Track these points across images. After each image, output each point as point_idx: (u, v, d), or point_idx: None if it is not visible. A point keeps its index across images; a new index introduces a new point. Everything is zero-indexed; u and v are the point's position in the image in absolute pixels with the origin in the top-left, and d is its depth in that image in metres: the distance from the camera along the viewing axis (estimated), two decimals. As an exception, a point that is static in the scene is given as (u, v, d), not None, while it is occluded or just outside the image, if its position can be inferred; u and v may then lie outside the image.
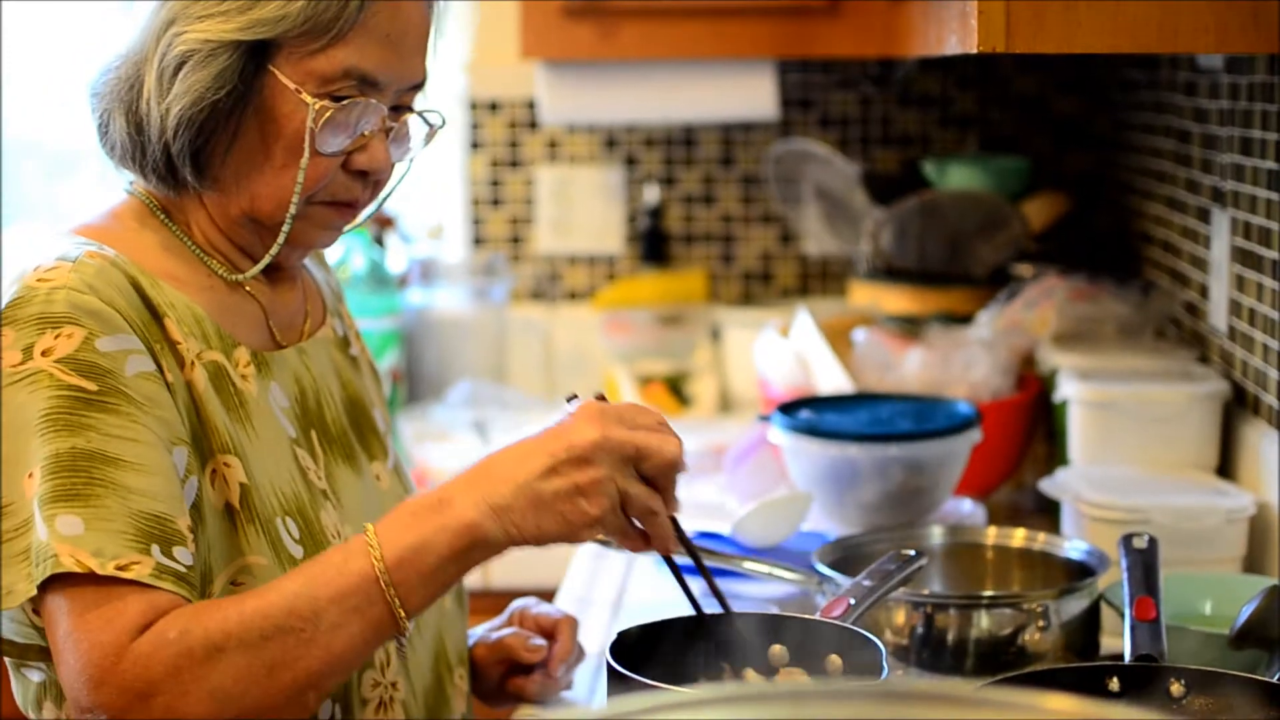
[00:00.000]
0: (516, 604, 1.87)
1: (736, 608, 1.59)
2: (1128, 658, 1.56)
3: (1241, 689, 1.45)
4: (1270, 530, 2.03)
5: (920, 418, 2.18)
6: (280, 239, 1.58)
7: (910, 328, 2.75)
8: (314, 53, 1.53)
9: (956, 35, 1.68)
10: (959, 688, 0.77)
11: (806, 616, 1.58)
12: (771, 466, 2.39)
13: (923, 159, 3.21)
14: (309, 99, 1.53)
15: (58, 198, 3.83)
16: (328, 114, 1.53)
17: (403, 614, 1.42)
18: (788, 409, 2.23)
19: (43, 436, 1.41)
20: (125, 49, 1.56)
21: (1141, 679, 1.50)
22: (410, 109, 1.62)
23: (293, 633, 1.40)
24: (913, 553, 1.70)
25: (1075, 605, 1.76)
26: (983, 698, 0.77)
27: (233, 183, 1.57)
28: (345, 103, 1.54)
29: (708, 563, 1.66)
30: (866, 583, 1.64)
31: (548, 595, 1.60)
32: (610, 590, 2.15)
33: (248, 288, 1.62)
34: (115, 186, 1.65)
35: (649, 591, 2.12)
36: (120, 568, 1.38)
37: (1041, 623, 1.74)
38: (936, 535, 1.99)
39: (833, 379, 2.53)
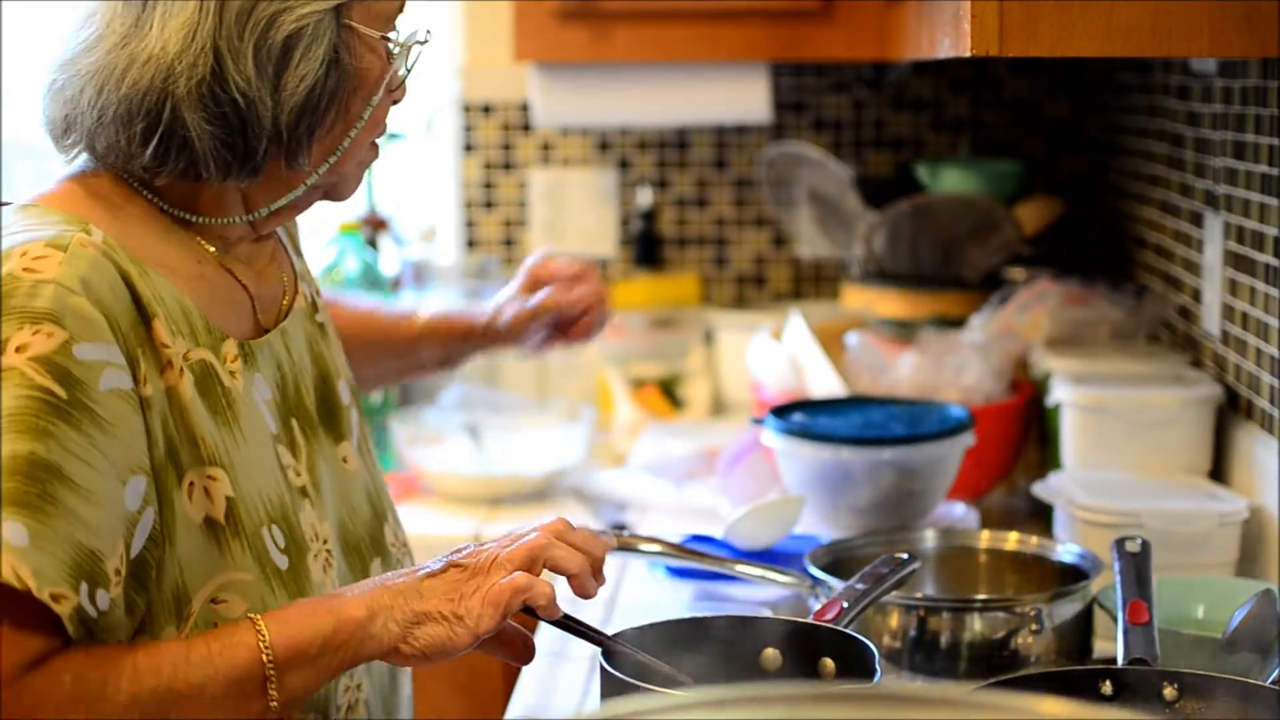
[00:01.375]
0: (528, 262, 1.97)
1: (730, 610, 1.59)
2: (1120, 661, 1.56)
3: (1234, 693, 1.45)
4: (1263, 534, 2.03)
5: (913, 421, 2.18)
6: (347, 186, 1.58)
7: (903, 331, 2.76)
8: None
9: (950, 38, 1.68)
10: (952, 691, 0.77)
11: (799, 620, 1.58)
12: (764, 470, 2.39)
13: (916, 162, 3.21)
14: (392, 42, 1.51)
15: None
16: (409, 51, 1.54)
17: (274, 701, 1.39)
18: (780, 412, 2.23)
19: (4, 435, 1.32)
20: (177, 40, 1.43)
21: (1134, 683, 1.50)
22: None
23: (181, 698, 1.36)
24: (905, 556, 1.70)
25: (1068, 609, 1.76)
26: (976, 701, 0.77)
27: (322, 155, 1.53)
28: (416, 39, 1.53)
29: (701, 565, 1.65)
30: (859, 586, 1.64)
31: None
32: (603, 592, 2.14)
33: (232, 269, 1.57)
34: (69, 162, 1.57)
35: (642, 594, 2.12)
36: (53, 597, 1.31)
37: (1034, 626, 1.74)
38: (929, 539, 1.99)
39: (825, 382, 2.53)
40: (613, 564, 2.22)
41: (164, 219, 1.53)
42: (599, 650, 1.48)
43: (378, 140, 1.59)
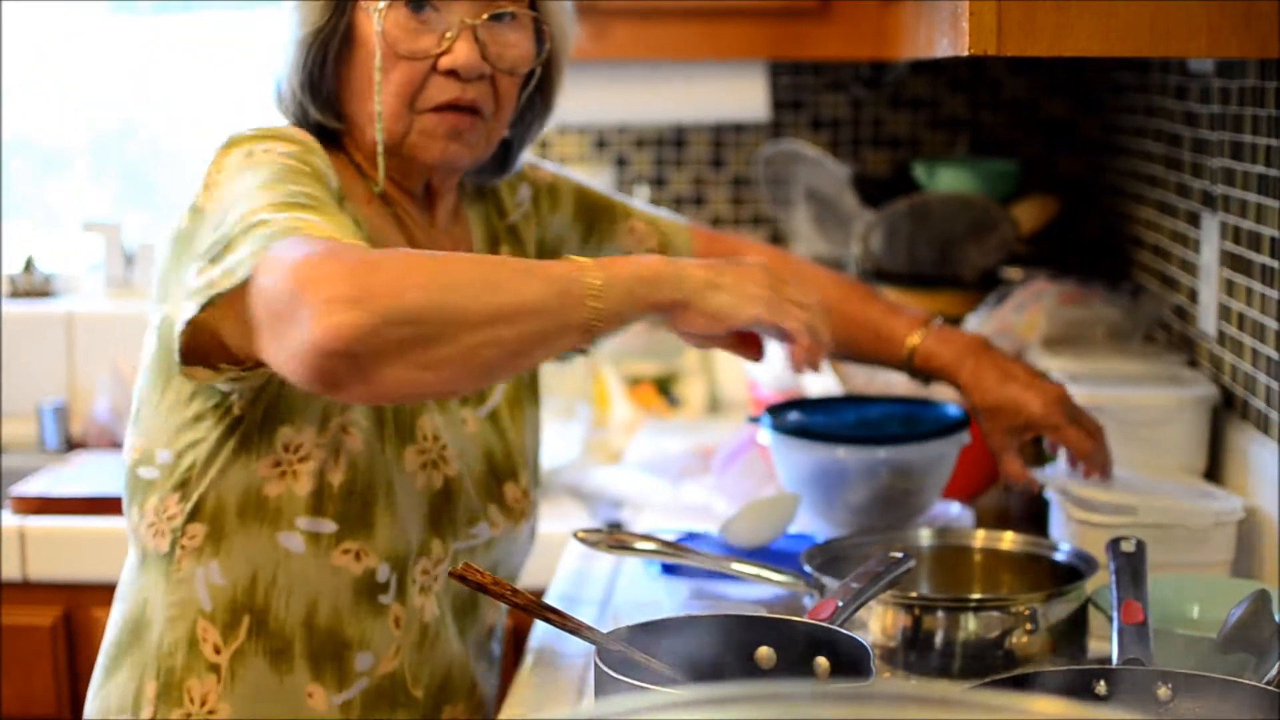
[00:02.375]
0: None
1: (725, 609, 1.58)
2: (1115, 661, 1.56)
3: (1229, 693, 1.45)
4: (1258, 534, 2.03)
5: (909, 420, 2.18)
6: (407, 146, 1.76)
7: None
8: None
9: (947, 37, 1.68)
10: (946, 690, 0.77)
11: (794, 618, 1.57)
12: (760, 468, 2.38)
13: (913, 161, 3.21)
14: (374, 3, 1.72)
15: (48, 195, 3.83)
16: (392, 11, 1.72)
17: (593, 290, 1.52)
18: (776, 411, 2.23)
19: (265, 190, 1.57)
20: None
21: (1129, 682, 1.49)
22: (501, 14, 1.76)
23: (478, 271, 1.52)
24: (901, 555, 1.69)
25: (1063, 608, 1.76)
26: (970, 700, 0.77)
27: (359, 113, 1.77)
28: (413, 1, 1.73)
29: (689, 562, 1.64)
30: (854, 585, 1.64)
31: (537, 594, 1.60)
32: (598, 590, 2.15)
33: (404, 216, 1.82)
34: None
35: (637, 592, 2.12)
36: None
37: (1029, 625, 1.74)
38: (925, 537, 1.99)
39: (821, 381, 2.53)
40: (607, 563, 2.22)
41: (346, 161, 1.82)
42: (593, 648, 1.47)
43: (443, 111, 1.75)
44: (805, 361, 1.65)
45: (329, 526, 1.74)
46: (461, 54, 1.73)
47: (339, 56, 1.76)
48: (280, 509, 1.73)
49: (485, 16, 1.74)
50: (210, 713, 1.74)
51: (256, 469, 1.72)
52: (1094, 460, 2.00)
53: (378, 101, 1.74)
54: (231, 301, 1.52)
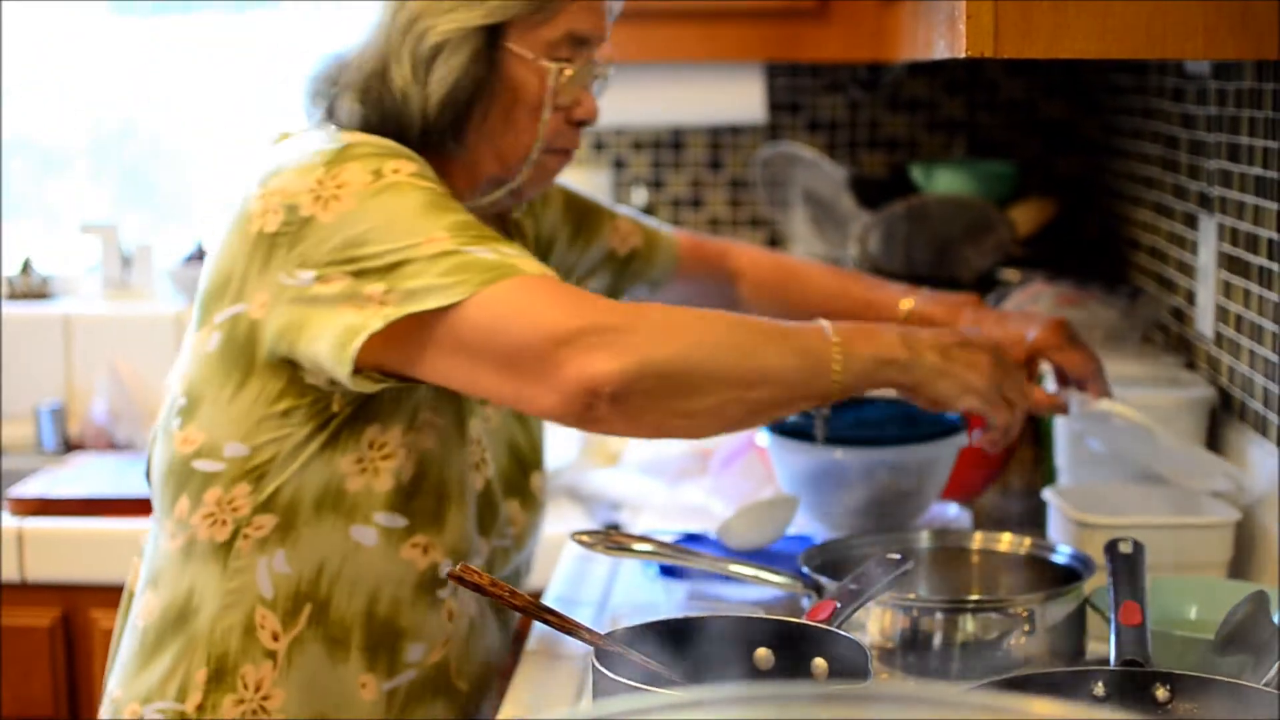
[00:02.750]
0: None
1: (723, 610, 1.59)
2: (1113, 662, 1.56)
3: (1226, 694, 1.45)
4: (1256, 536, 2.03)
5: (907, 422, 2.18)
6: (519, 181, 1.88)
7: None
8: (540, 24, 1.82)
9: (945, 39, 1.68)
10: (944, 691, 0.77)
11: (792, 620, 1.58)
12: (758, 469, 2.39)
13: (910, 163, 3.21)
14: (548, 64, 1.82)
15: (46, 196, 3.83)
16: (567, 74, 1.84)
17: (836, 366, 1.69)
18: (774, 412, 2.22)
19: (432, 215, 1.67)
20: (358, 43, 1.80)
21: (1127, 684, 1.49)
22: (599, 63, 1.90)
23: (738, 334, 1.68)
24: (899, 556, 1.69)
25: (1061, 610, 1.76)
26: (968, 701, 0.77)
27: (484, 147, 1.85)
28: (579, 63, 1.84)
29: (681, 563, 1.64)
30: (852, 586, 1.64)
31: (535, 595, 1.60)
32: (596, 592, 2.15)
33: None
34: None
35: (635, 594, 2.12)
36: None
37: (1027, 627, 1.74)
38: (923, 539, 1.99)
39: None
40: (605, 564, 2.22)
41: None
42: (592, 650, 1.47)
43: (560, 153, 1.90)
44: (991, 446, 1.87)
45: (401, 521, 1.80)
46: (593, 106, 1.89)
47: (488, 95, 1.83)
48: (358, 504, 1.79)
49: (599, 69, 1.89)
50: (265, 699, 1.78)
51: (339, 464, 1.78)
52: (1094, 383, 2.03)
53: (534, 149, 1.86)
54: (405, 320, 1.64)
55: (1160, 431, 2.03)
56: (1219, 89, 2.24)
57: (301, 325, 1.69)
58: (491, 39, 1.80)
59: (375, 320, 1.64)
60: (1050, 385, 2.09)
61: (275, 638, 1.78)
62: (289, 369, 1.74)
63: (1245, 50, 1.50)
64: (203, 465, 1.79)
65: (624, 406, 1.62)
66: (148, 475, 1.89)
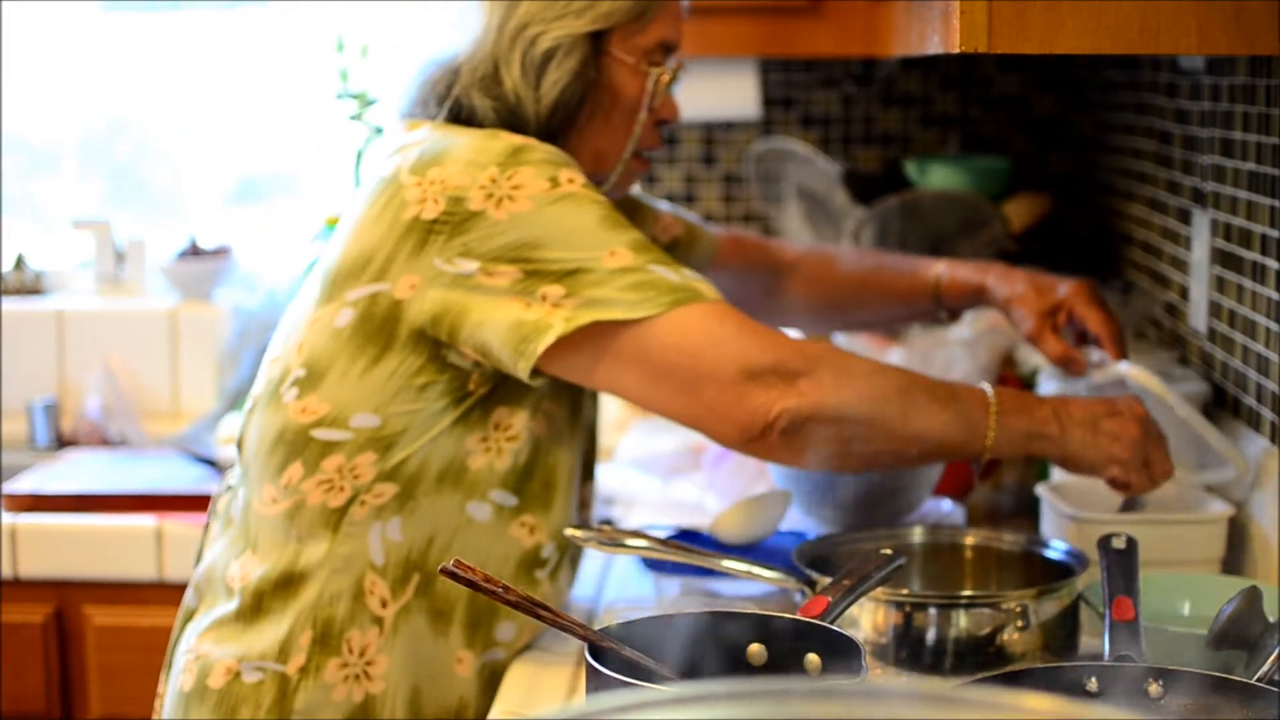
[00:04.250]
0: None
1: (716, 606, 1.58)
2: (1106, 658, 1.56)
3: (1219, 690, 1.45)
4: (1248, 532, 2.03)
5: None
6: (611, 181, 1.98)
7: (891, 327, 2.75)
8: (637, 31, 1.93)
9: (938, 35, 1.68)
10: (937, 687, 0.77)
11: (785, 615, 1.58)
12: (751, 465, 2.38)
13: (904, 159, 3.21)
14: (649, 69, 1.94)
15: (38, 193, 3.82)
16: (665, 79, 1.96)
17: (990, 435, 1.79)
18: (768, 408, 2.22)
19: (612, 230, 1.78)
20: (467, 47, 1.89)
21: (1119, 679, 1.49)
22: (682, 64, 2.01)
23: (907, 393, 1.78)
24: (892, 552, 1.69)
25: (1054, 605, 1.76)
26: (961, 697, 0.77)
27: (584, 148, 1.94)
28: (674, 67, 1.97)
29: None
30: (845, 582, 1.64)
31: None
32: (589, 587, 2.15)
33: None
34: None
35: (628, 589, 2.12)
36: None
37: (1020, 623, 1.74)
38: (916, 535, 1.99)
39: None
40: (598, 560, 2.22)
41: None
42: (585, 645, 1.47)
43: (644, 156, 2.02)
44: (1124, 500, 1.94)
45: (513, 500, 1.88)
46: (675, 108, 2.02)
47: (588, 99, 1.93)
48: (478, 480, 1.87)
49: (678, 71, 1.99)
50: (369, 664, 1.83)
51: (466, 441, 1.86)
52: (1113, 345, 2.09)
53: (628, 149, 1.98)
54: (590, 327, 1.75)
55: (1177, 401, 2.04)
56: (1212, 84, 2.25)
57: (463, 311, 1.78)
58: (596, 45, 1.91)
59: (557, 321, 1.75)
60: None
61: (384, 604, 1.84)
62: (430, 347, 1.82)
63: (1239, 46, 1.50)
64: (325, 434, 1.84)
65: (792, 441, 1.76)
66: (239, 444, 1.94)
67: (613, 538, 1.89)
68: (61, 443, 3.36)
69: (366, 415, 1.84)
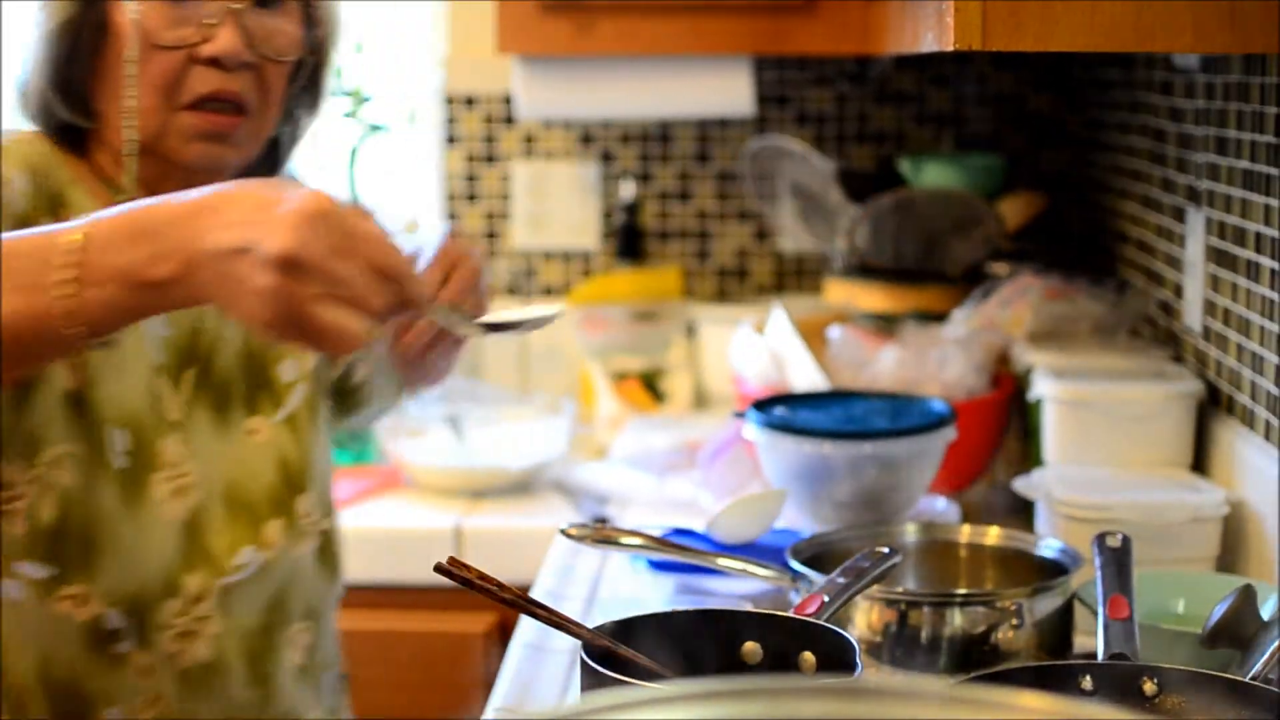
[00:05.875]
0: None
1: (711, 604, 1.58)
2: (1101, 656, 1.56)
3: (1214, 688, 1.45)
4: (1243, 530, 2.03)
5: (895, 415, 2.18)
6: (131, 147, 1.62)
7: (885, 325, 2.76)
8: None
9: (933, 33, 1.68)
10: (932, 685, 0.77)
11: (780, 613, 1.57)
12: (746, 463, 2.38)
13: (898, 156, 3.21)
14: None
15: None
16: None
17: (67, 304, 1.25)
18: (762, 406, 2.23)
19: None
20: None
21: (1114, 677, 1.50)
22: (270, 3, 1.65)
23: None
24: (886, 550, 1.69)
25: (1048, 603, 1.76)
26: (956, 695, 0.77)
27: (111, 110, 1.62)
28: None
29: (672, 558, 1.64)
30: (840, 580, 1.64)
31: (523, 589, 1.59)
32: (584, 585, 2.14)
33: None
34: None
35: (623, 588, 2.12)
36: None
37: (1015, 621, 1.74)
38: (910, 533, 1.99)
39: (807, 376, 2.53)
40: (593, 558, 2.22)
41: (91, 174, 1.68)
42: (579, 643, 1.47)
43: (208, 120, 1.62)
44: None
45: (46, 571, 1.60)
46: (224, 40, 1.60)
47: (91, 50, 1.62)
48: None
49: (250, 2, 1.63)
50: None
51: None
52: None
53: (129, 97, 1.60)
54: None
55: None
56: (1207, 83, 2.25)
57: None
58: None
59: None
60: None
61: None
62: None
63: (1234, 44, 1.50)
64: None
65: None
66: None
67: (607, 536, 1.88)
68: None
69: None
